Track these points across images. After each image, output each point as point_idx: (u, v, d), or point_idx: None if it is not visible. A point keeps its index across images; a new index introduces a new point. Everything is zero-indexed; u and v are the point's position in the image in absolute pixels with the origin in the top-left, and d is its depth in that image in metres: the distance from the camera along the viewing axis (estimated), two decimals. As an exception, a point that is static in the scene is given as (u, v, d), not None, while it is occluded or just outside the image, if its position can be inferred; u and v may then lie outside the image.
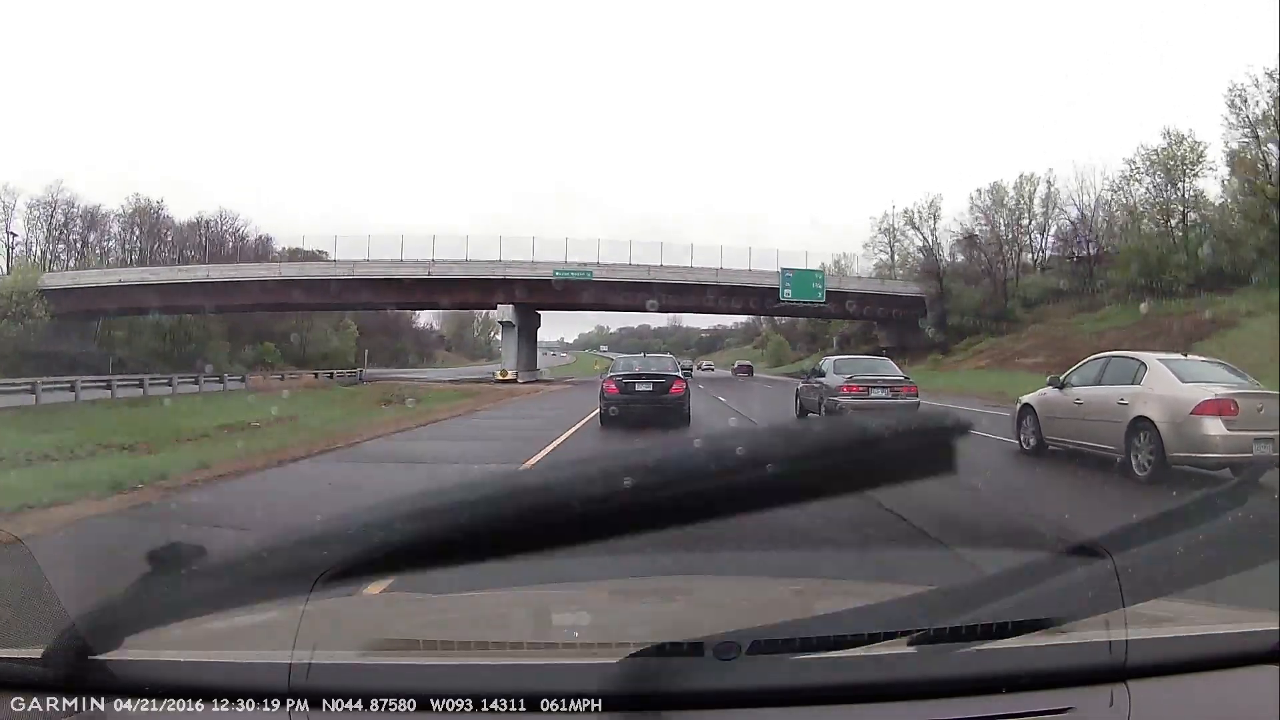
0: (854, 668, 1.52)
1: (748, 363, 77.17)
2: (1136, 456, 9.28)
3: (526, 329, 57.61)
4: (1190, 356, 10.59)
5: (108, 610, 1.41)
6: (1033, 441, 11.64)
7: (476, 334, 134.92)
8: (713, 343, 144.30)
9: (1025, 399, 12.18)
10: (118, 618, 1.40)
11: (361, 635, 1.98)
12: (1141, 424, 9.25)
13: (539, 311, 62.00)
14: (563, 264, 53.93)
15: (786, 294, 53.85)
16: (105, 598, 1.39)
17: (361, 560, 1.22)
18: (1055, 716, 1.40)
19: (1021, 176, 57.22)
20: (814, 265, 56.02)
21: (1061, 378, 11.45)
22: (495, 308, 55.82)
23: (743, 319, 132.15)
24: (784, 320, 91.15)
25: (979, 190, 59.58)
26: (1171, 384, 9.33)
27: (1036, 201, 57.49)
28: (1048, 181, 56.51)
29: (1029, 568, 1.57)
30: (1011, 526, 7.06)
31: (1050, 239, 57.86)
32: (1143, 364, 9.95)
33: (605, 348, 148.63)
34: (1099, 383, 10.54)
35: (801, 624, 2.27)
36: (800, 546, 5.93)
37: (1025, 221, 58.53)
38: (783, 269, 54.50)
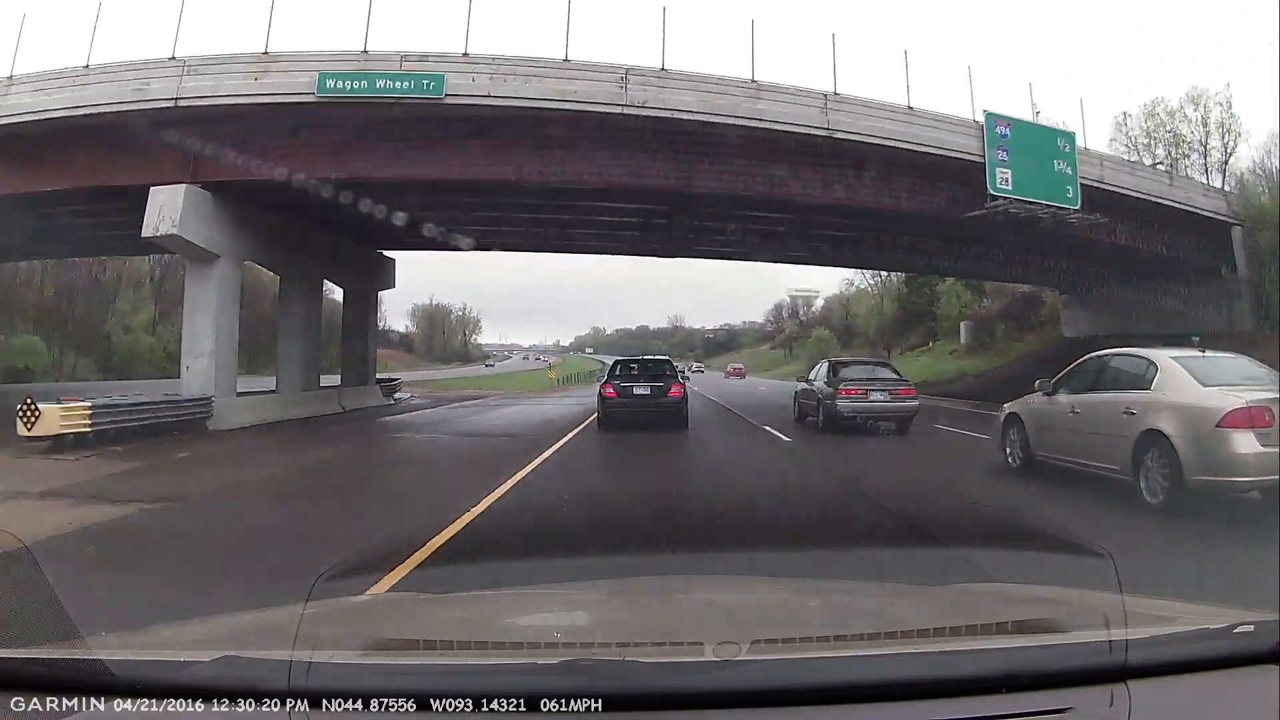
0: (854, 668, 1.52)
1: (740, 365, 76.55)
2: (1147, 479, 7.46)
3: (301, 274, 23.19)
4: (1209, 352, 8.73)
5: (109, 610, 1.41)
6: (1020, 457, 9.84)
7: (448, 331, 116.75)
8: (722, 344, 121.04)
9: (1009, 407, 10.36)
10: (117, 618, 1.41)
11: (361, 635, 1.98)
12: (1153, 440, 7.43)
13: (386, 254, 26.99)
14: (353, 60, 16.60)
15: (1003, 183, 19.49)
16: (106, 599, 1.39)
17: (361, 561, 1.23)
18: (1055, 716, 1.41)
19: (1187, 94, 35.54)
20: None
21: (1052, 381, 9.53)
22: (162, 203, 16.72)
23: (758, 317, 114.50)
24: (847, 289, 74.36)
25: (1124, 115, 39.47)
26: (1189, 388, 7.49)
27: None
28: (1221, 103, 34.47)
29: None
30: (1011, 528, 7.04)
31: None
32: (1152, 363, 8.08)
33: (591, 350, 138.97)
34: (1098, 387, 8.74)
35: (801, 624, 2.28)
36: (799, 546, 5.94)
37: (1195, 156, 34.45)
38: (988, 116, 19.65)
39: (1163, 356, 8.21)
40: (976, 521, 7.20)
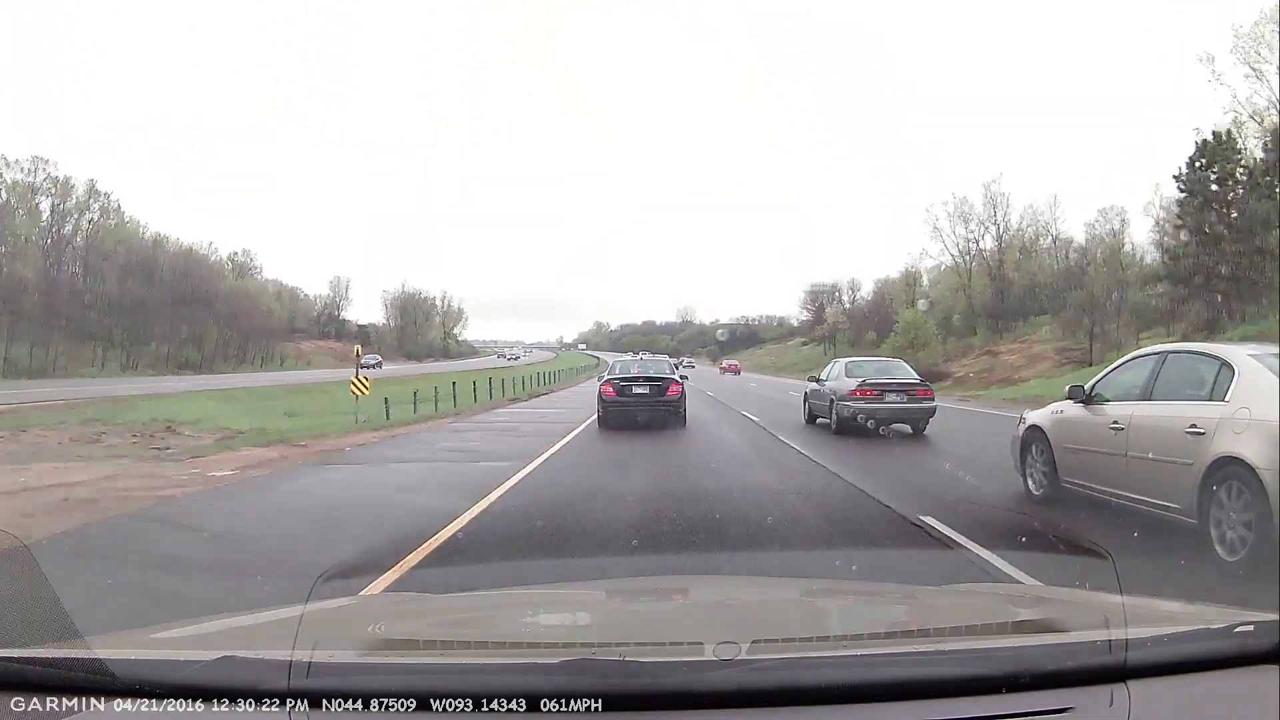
0: (854, 667, 1.52)
1: (735, 361, 75.73)
2: (1219, 525, 5.35)
3: None
4: None
5: (108, 610, 1.42)
6: (1043, 483, 7.65)
7: (420, 323, 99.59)
8: (740, 339, 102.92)
9: (1031, 418, 8.13)
10: (118, 618, 1.41)
11: (361, 635, 1.99)
12: (1229, 470, 5.35)
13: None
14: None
15: None
16: (105, 598, 1.39)
17: (361, 561, 1.23)
18: (1055, 716, 1.41)
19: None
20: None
21: (1089, 385, 7.31)
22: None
23: (779, 310, 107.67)
24: (915, 260, 62.20)
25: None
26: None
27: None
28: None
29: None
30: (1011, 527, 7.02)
31: None
32: (1227, 364, 5.89)
33: (584, 346, 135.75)
34: (1151, 395, 6.41)
35: (801, 623, 2.28)
36: (801, 546, 5.95)
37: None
38: None
39: (1239, 354, 6.01)
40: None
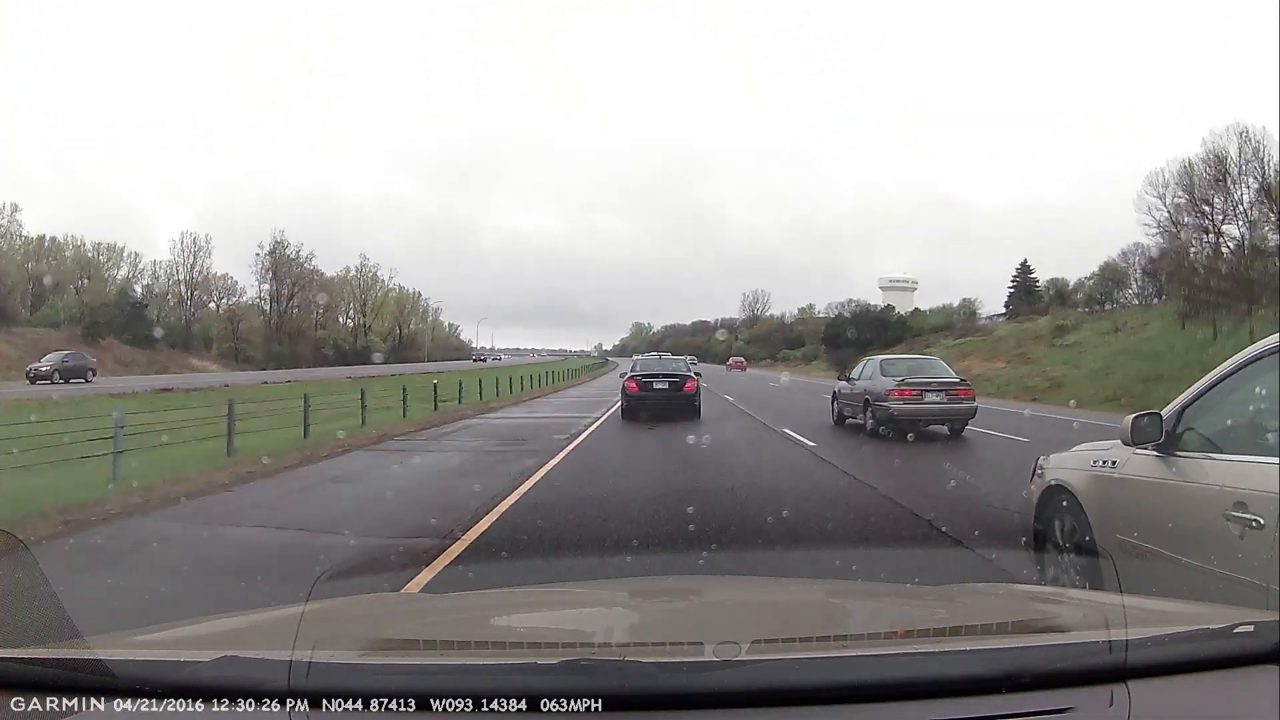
0: (854, 667, 1.52)
1: (741, 359, 75.26)
2: None
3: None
4: None
5: (107, 610, 1.42)
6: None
7: (287, 309, 64.08)
8: (863, 337, 55.23)
9: (1054, 470, 4.38)
10: (118, 617, 1.41)
11: (361, 635, 1.99)
12: None
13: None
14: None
15: None
16: (105, 598, 1.40)
17: (361, 561, 1.23)
18: (1055, 716, 1.41)
19: None
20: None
21: (1167, 414, 3.44)
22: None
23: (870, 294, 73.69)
24: None
25: None
26: None
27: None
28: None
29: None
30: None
31: None
32: None
33: (595, 353, 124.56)
34: None
35: (801, 624, 2.28)
36: (803, 546, 5.95)
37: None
38: None
39: None
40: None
